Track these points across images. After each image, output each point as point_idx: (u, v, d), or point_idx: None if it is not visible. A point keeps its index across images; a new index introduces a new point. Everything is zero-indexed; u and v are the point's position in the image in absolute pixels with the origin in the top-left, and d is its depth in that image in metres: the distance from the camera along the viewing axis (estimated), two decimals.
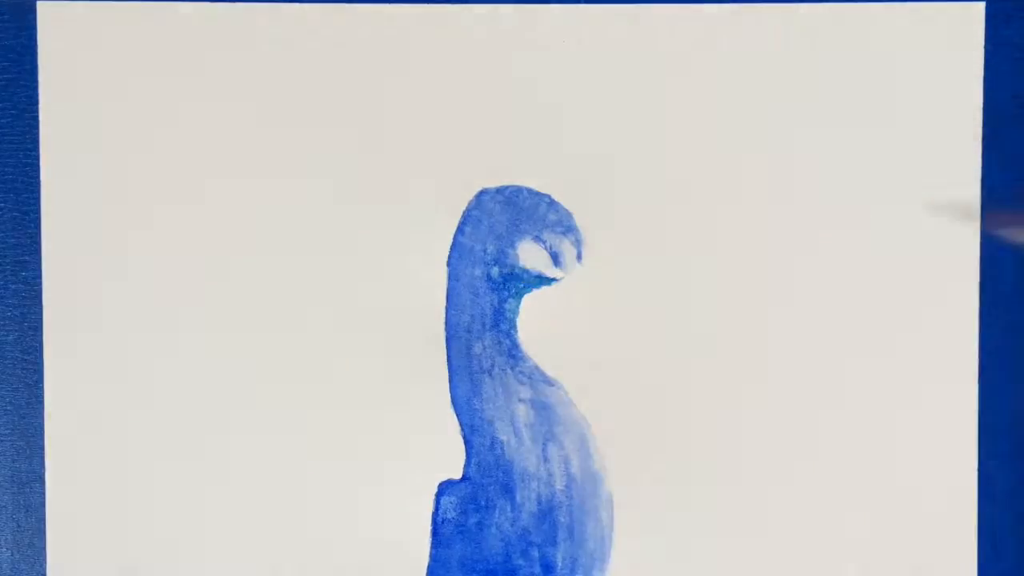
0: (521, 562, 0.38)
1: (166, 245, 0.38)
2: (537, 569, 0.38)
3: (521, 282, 0.38)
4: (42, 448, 0.38)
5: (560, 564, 0.38)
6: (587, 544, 0.38)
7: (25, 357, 0.38)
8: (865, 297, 0.38)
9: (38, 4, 0.38)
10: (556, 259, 0.38)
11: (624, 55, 0.38)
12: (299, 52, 0.38)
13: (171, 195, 0.38)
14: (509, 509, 0.38)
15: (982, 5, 0.38)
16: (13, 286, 0.38)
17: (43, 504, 0.38)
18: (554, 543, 0.38)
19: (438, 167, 0.38)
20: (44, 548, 0.38)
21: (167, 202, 0.38)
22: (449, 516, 0.38)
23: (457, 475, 0.38)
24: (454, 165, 0.38)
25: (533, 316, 0.38)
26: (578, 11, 0.38)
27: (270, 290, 0.38)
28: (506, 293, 0.38)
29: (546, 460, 0.38)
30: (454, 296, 0.38)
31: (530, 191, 0.38)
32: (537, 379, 0.38)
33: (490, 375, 0.38)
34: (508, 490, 0.38)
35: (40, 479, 0.38)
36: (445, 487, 0.38)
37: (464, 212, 0.38)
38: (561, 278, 0.38)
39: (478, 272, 0.38)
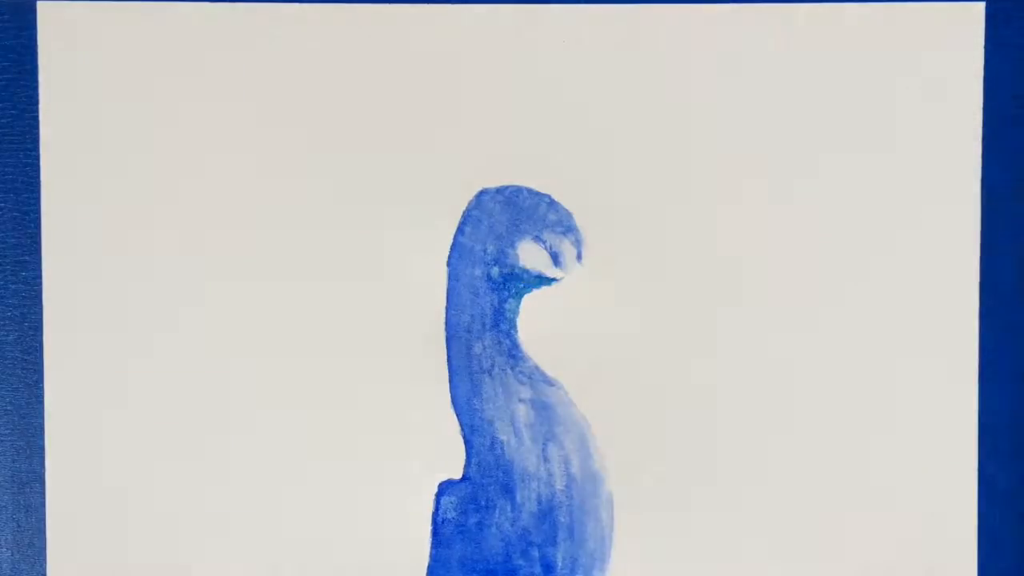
0: (521, 562, 0.38)
1: (166, 245, 0.38)
2: (537, 569, 0.38)
3: (521, 282, 0.38)
4: (42, 448, 0.38)
5: (560, 564, 0.38)
6: (587, 544, 0.38)
7: (25, 357, 0.38)
8: (865, 297, 0.38)
9: (38, 4, 0.38)
10: (556, 259, 0.38)
11: (624, 55, 0.38)
12: (299, 52, 0.38)
13: (171, 195, 0.38)
14: (509, 509, 0.38)
15: (982, 5, 0.38)
16: (13, 286, 0.38)
17: (43, 504, 0.38)
18: (554, 543, 0.38)
19: (438, 167, 0.38)
20: (44, 548, 0.38)
21: (167, 202, 0.38)
22: (449, 516, 0.38)
23: (457, 475, 0.38)
24: (454, 165, 0.38)
25: (533, 316, 0.38)
26: (578, 11, 0.38)
27: (270, 290, 0.38)
28: (506, 293, 0.38)
29: (546, 460, 0.38)
30: (454, 296, 0.38)
31: (530, 191, 0.38)
32: (537, 379, 0.38)
33: (490, 375, 0.38)
34: (508, 490, 0.38)
35: (40, 479, 0.38)
36: (445, 487, 0.38)
37: (464, 212, 0.38)
38: (561, 278, 0.38)
39: (478, 272, 0.38)
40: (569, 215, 0.38)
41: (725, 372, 0.38)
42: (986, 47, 0.38)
